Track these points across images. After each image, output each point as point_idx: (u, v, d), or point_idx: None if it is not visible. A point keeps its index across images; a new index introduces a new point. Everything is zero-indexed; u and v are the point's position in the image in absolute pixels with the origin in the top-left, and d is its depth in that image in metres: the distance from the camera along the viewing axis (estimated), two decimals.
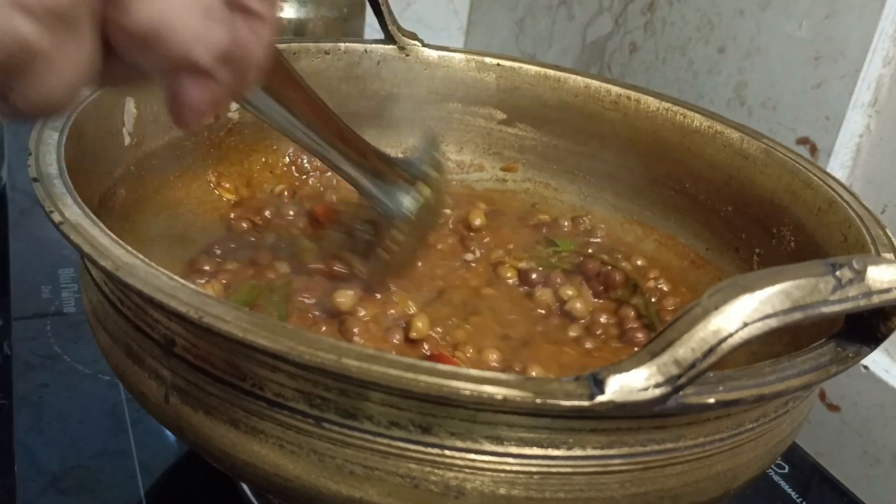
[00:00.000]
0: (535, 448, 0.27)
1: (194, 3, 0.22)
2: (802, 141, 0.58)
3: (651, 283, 0.49)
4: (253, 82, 0.28)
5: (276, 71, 0.33)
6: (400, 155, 0.46)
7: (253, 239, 0.47)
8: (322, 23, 0.74)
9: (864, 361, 0.54)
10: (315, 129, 0.38)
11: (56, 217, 0.30)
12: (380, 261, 0.42)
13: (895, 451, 0.53)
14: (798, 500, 0.48)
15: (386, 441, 0.27)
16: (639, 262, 0.51)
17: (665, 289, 0.49)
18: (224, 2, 0.23)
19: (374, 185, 0.41)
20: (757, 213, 0.47)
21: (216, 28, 0.23)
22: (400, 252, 0.42)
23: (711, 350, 0.24)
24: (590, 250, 0.52)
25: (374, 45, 0.56)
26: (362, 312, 0.41)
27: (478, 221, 0.52)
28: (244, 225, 0.49)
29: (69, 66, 0.21)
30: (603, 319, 0.46)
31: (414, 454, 0.27)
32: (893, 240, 0.38)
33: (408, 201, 0.41)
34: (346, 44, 0.55)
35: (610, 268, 0.49)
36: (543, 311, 0.46)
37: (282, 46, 0.53)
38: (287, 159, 0.55)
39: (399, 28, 0.56)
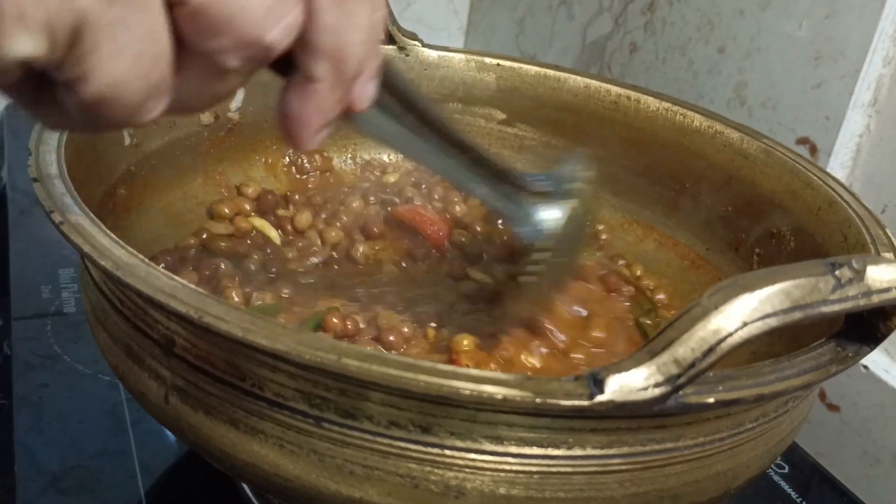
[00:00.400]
0: (535, 448, 0.27)
1: None
2: (802, 141, 0.58)
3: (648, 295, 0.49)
4: (363, 89, 0.25)
5: (389, 85, 0.30)
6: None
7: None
8: None
9: (864, 361, 0.54)
10: (440, 150, 0.34)
11: (56, 217, 0.30)
12: (525, 290, 0.38)
13: (895, 451, 0.53)
14: (798, 500, 0.48)
15: (386, 441, 0.27)
16: (638, 273, 0.51)
17: (664, 299, 0.49)
18: None
19: (511, 205, 0.37)
20: (757, 213, 0.47)
21: (289, 5, 0.21)
22: (546, 274, 0.38)
23: (711, 349, 0.24)
24: (597, 253, 0.51)
25: None
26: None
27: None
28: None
29: (133, 41, 0.19)
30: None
31: (414, 454, 0.27)
32: (893, 239, 0.38)
33: (549, 220, 0.37)
34: None
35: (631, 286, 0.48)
36: None
37: None
38: (287, 160, 0.55)
39: (399, 28, 0.56)
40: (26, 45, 0.18)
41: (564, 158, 0.41)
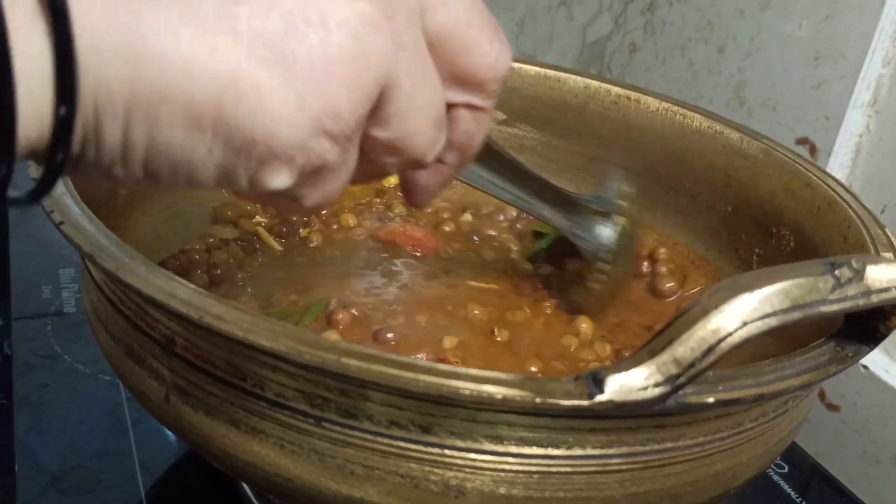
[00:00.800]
0: (534, 447, 0.27)
1: (430, 118, 0.26)
2: (802, 141, 0.58)
3: None
4: (471, 160, 0.32)
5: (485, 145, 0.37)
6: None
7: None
8: None
9: (864, 361, 0.54)
10: (516, 187, 0.42)
11: (56, 217, 0.30)
12: (590, 293, 0.44)
13: (895, 451, 0.53)
14: (798, 500, 0.48)
15: (386, 441, 0.27)
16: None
17: None
18: (448, 107, 0.28)
19: (574, 225, 0.44)
20: (757, 213, 0.47)
21: (443, 134, 0.28)
22: (608, 282, 0.44)
23: (711, 349, 0.24)
24: None
25: None
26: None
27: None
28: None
29: (346, 173, 0.26)
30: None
31: (414, 454, 0.27)
32: (893, 239, 0.38)
33: (606, 233, 0.44)
34: None
35: None
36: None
37: None
38: None
39: None
40: (283, 180, 0.24)
41: (608, 178, 0.48)
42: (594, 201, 0.45)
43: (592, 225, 0.44)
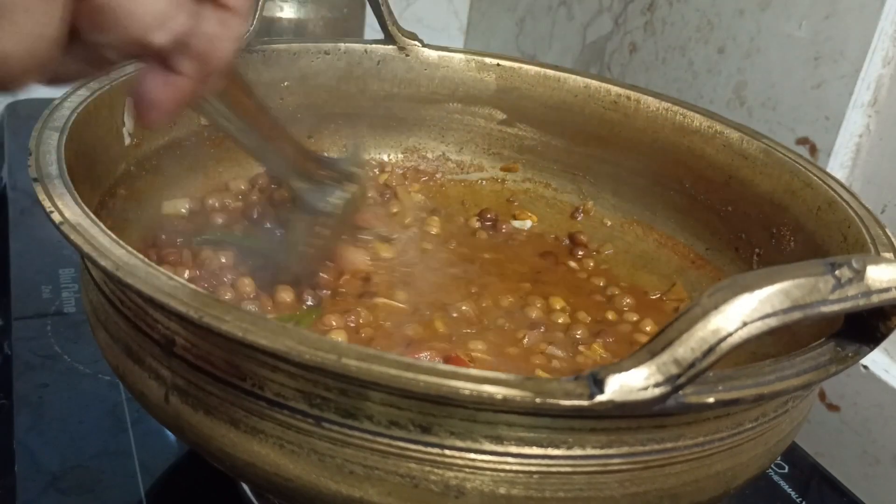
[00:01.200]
0: (534, 447, 0.27)
1: None
2: (802, 141, 0.58)
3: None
4: (214, 82, 0.28)
5: (231, 77, 0.35)
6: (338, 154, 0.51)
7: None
8: (322, 23, 0.74)
9: (864, 361, 0.54)
10: (259, 134, 0.40)
11: (56, 217, 0.30)
12: (302, 255, 0.44)
13: (895, 451, 0.53)
14: (798, 500, 0.48)
15: (386, 441, 0.27)
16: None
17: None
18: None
19: (305, 185, 0.43)
20: (757, 213, 0.47)
21: (178, 14, 0.23)
22: (323, 245, 0.45)
23: (711, 349, 0.24)
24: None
25: (374, 45, 0.56)
26: None
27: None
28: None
29: (33, 20, 0.20)
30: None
31: (414, 454, 0.27)
32: (893, 239, 0.38)
33: (334, 198, 0.44)
34: (346, 44, 0.55)
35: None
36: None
37: (281, 47, 0.53)
38: None
39: (399, 28, 0.56)
40: None
41: (349, 146, 0.51)
42: (332, 165, 0.45)
43: (324, 188, 0.43)
